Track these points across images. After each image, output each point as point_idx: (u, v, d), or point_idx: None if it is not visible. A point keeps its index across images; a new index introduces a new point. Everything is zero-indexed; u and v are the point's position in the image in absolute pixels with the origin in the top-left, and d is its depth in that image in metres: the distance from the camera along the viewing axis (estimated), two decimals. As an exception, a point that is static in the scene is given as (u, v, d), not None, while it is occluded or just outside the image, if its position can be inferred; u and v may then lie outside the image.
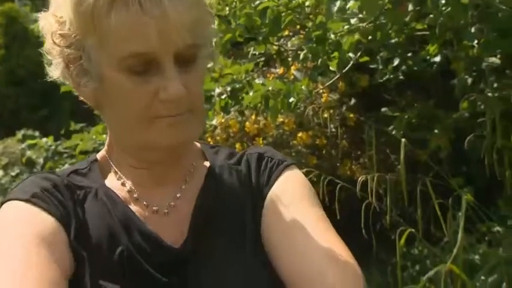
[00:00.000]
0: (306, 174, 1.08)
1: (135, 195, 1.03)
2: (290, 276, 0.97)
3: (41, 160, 5.47)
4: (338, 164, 3.78)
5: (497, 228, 3.14)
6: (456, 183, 2.99)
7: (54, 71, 1.01)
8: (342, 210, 3.00)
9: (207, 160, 1.10)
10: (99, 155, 1.09)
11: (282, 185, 1.04)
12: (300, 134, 3.62)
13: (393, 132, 3.34)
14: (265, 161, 1.07)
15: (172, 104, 0.95)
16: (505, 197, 3.29)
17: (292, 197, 1.03)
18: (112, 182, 1.05)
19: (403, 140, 2.86)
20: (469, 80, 3.06)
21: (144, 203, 1.02)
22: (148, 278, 0.96)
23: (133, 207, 1.02)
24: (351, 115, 3.70)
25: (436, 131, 3.29)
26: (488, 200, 3.28)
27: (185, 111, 0.97)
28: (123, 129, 1.00)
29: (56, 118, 7.13)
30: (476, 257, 3.22)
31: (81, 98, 1.03)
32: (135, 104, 0.96)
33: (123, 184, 1.04)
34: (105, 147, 1.08)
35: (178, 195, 1.04)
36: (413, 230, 2.88)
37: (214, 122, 3.70)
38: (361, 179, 2.82)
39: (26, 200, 0.97)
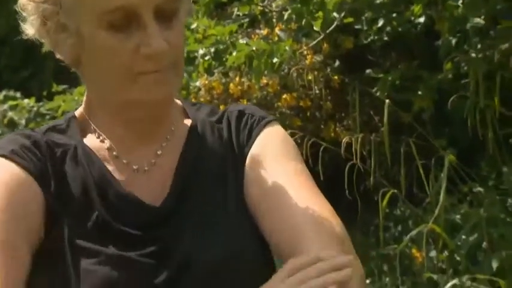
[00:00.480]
0: (290, 135, 1.07)
1: (115, 153, 1.02)
2: (272, 236, 0.97)
3: (23, 121, 5.42)
4: (322, 126, 3.78)
5: (479, 188, 3.17)
6: (439, 145, 3.01)
7: (30, 29, 0.99)
8: (326, 172, 3.01)
9: (188, 118, 1.09)
10: (77, 113, 1.07)
11: (263, 142, 1.04)
12: (284, 96, 3.60)
13: (377, 94, 3.33)
14: (245, 118, 1.06)
15: (155, 59, 0.94)
16: (487, 158, 3.32)
17: (273, 153, 1.02)
18: (91, 140, 1.03)
19: (386, 101, 2.86)
20: (453, 41, 3.05)
21: (124, 161, 1.01)
22: (127, 239, 0.95)
23: (112, 166, 1.01)
24: (335, 77, 3.69)
25: (419, 92, 3.30)
26: (471, 161, 3.31)
27: (168, 65, 0.96)
28: (105, 87, 0.99)
29: (38, 79, 7.05)
30: (458, 217, 3.26)
31: (59, 56, 1.01)
32: (117, 60, 0.94)
33: (102, 141, 1.03)
34: (83, 105, 1.06)
35: (159, 152, 1.03)
36: (396, 190, 2.90)
37: (198, 84, 3.68)
38: (345, 140, 2.82)
39: (4, 156, 0.96)
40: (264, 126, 1.05)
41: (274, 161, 1.01)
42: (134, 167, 1.01)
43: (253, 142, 1.04)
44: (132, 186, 1.00)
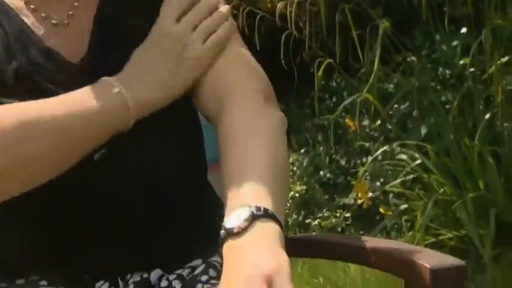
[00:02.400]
0: (226, 3, 1.02)
1: (32, 6, 0.96)
2: (206, 91, 0.95)
3: None
4: (259, -4, 3.72)
5: (412, 57, 3.21)
6: (375, 14, 3.00)
7: None
8: (263, 43, 2.98)
9: None
10: None
11: None
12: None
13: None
14: None
15: None
16: (421, 26, 3.34)
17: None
18: None
19: (322, -33, 2.81)
20: None
21: (42, 14, 0.96)
22: (48, 95, 0.92)
23: (30, 20, 0.95)
24: None
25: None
26: (406, 31, 3.32)
27: None
28: None
29: None
30: (391, 86, 3.32)
31: None
32: None
33: None
34: None
35: (76, 3, 0.98)
36: (331, 60, 2.91)
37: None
38: (280, 6, 2.79)
39: None
40: None
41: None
42: (53, 22, 0.97)
43: None
44: (53, 40, 0.95)
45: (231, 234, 0.72)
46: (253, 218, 0.72)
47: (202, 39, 0.93)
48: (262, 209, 0.73)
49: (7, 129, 0.84)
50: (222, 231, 0.73)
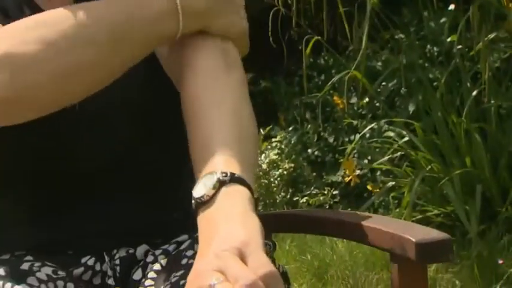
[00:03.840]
0: None
1: None
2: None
3: None
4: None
5: (400, 35, 3.20)
6: (363, -10, 2.99)
7: None
8: (251, 21, 2.96)
9: None
10: None
11: None
12: None
13: None
14: None
15: None
16: (409, 3, 3.34)
17: None
18: None
19: None
20: None
21: None
22: None
23: None
24: None
25: None
26: (394, 8, 3.31)
27: None
28: None
29: None
30: (379, 64, 3.31)
31: None
32: None
33: None
34: None
35: None
36: (319, 37, 2.90)
37: None
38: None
39: None
40: None
41: None
42: None
43: None
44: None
45: (201, 203, 0.70)
46: (220, 184, 0.70)
47: None
48: (228, 174, 0.71)
49: (69, 33, 0.80)
50: (192, 202, 0.72)
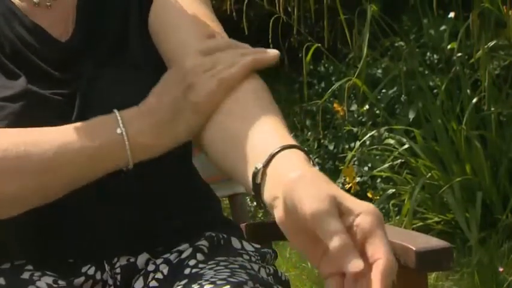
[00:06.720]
0: None
1: None
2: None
3: None
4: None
5: (400, 42, 3.21)
6: (363, -3, 3.00)
7: None
8: (251, 28, 2.97)
9: None
10: None
11: None
12: None
13: None
14: None
15: None
16: (409, 10, 3.35)
17: None
18: None
19: (311, -49, 2.79)
20: None
21: None
22: (40, 73, 0.92)
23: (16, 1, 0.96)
24: None
25: None
26: (394, 15, 3.32)
27: None
28: None
29: None
30: (379, 71, 3.32)
31: None
32: None
33: None
34: None
35: None
36: (319, 45, 2.91)
37: None
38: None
39: None
40: None
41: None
42: (35, 1, 0.96)
43: None
44: (37, 21, 0.95)
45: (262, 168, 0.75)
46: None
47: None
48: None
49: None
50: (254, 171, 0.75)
